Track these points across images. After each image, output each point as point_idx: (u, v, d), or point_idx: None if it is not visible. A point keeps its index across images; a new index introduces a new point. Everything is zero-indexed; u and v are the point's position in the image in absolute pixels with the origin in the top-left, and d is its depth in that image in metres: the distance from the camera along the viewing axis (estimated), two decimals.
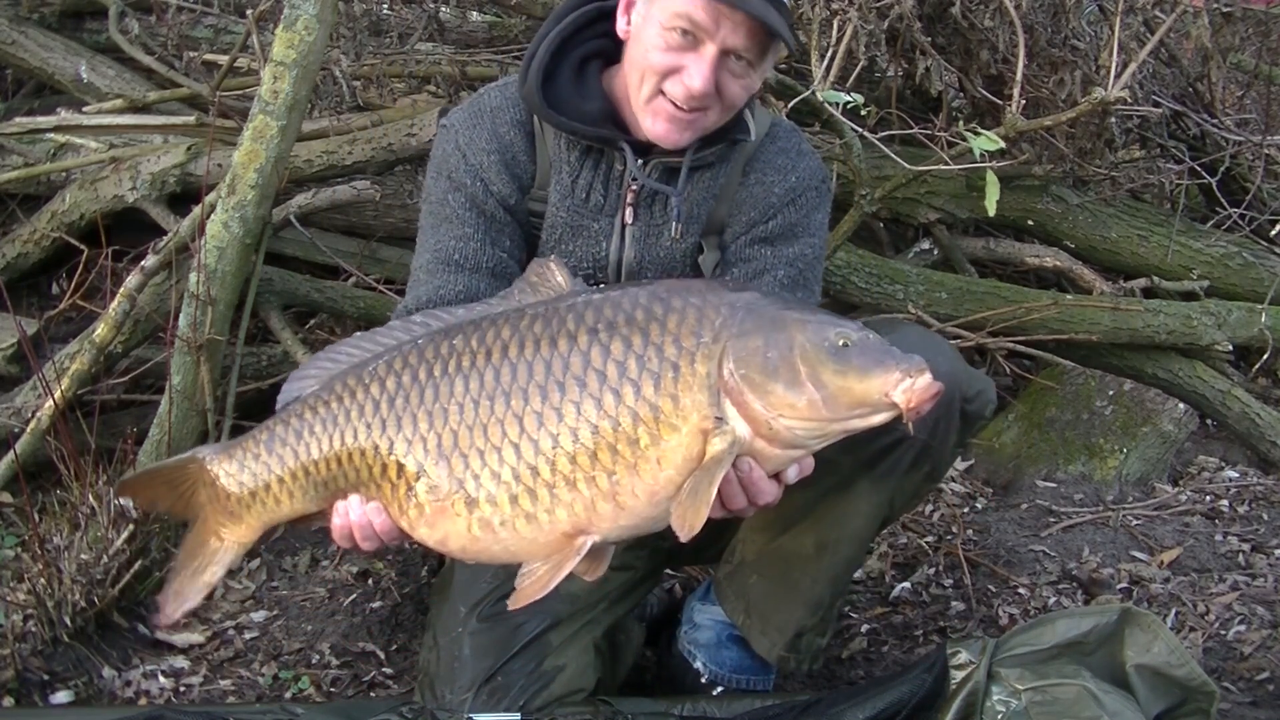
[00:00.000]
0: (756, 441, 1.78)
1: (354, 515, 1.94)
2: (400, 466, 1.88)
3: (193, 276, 2.98)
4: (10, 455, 3.02)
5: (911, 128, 3.55)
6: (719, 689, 2.53)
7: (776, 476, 1.86)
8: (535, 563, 1.86)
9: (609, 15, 2.30)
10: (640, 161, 2.30)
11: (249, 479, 1.98)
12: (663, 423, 1.78)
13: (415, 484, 1.88)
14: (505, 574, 2.30)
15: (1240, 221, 4.19)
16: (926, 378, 1.74)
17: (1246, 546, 3.40)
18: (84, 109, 3.85)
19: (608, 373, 1.80)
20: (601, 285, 1.94)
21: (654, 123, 2.22)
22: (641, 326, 1.81)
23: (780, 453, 1.80)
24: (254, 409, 3.47)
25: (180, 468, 2.05)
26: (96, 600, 2.67)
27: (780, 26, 2.11)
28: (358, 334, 2.04)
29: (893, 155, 3.25)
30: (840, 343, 1.77)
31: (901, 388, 1.73)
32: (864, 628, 2.99)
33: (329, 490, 1.95)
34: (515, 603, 1.87)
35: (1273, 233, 4.20)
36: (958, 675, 2.25)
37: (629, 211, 2.34)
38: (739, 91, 2.21)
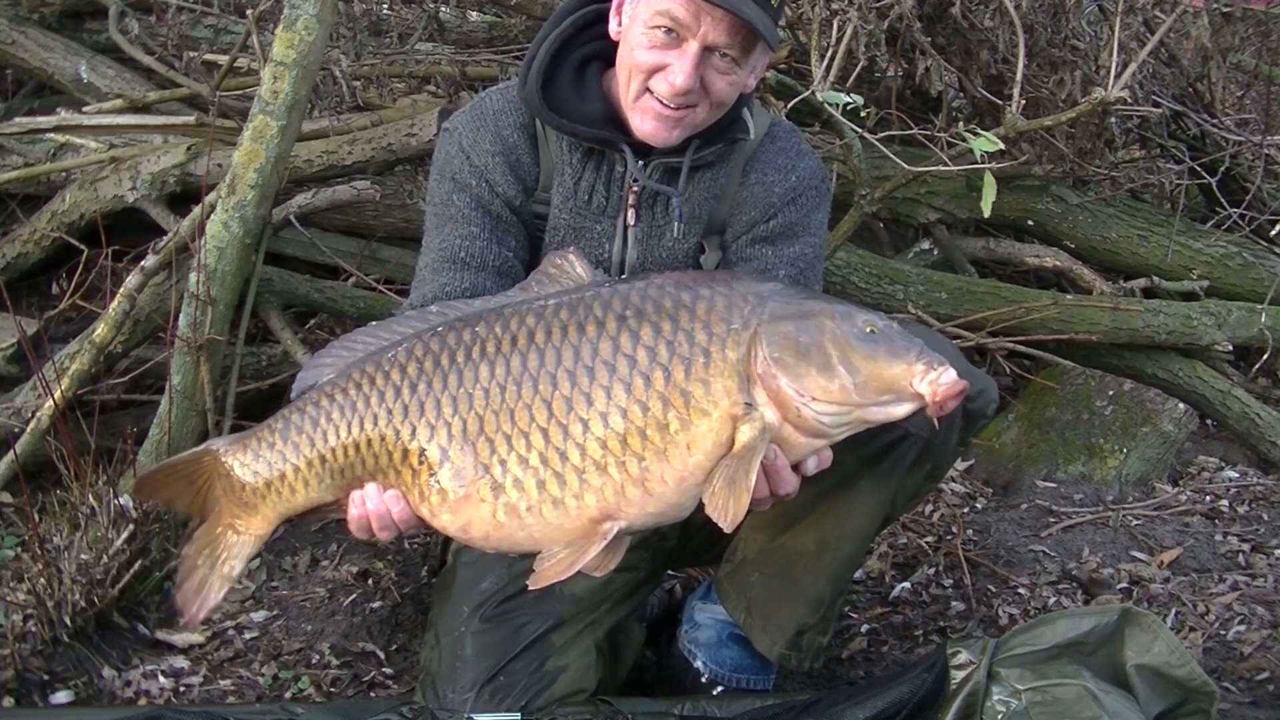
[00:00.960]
0: (784, 428, 1.80)
1: (371, 504, 1.93)
2: (422, 452, 1.87)
3: (193, 276, 2.98)
4: (10, 455, 3.02)
5: (911, 128, 3.55)
6: (719, 688, 2.53)
7: (796, 468, 1.87)
8: (556, 548, 1.86)
9: (608, 17, 2.30)
10: (640, 162, 2.30)
11: (264, 468, 1.96)
12: (694, 408, 1.79)
13: (438, 470, 1.87)
14: (509, 574, 2.31)
15: (1240, 221, 4.19)
16: (952, 373, 1.77)
17: (1246, 546, 3.40)
18: (84, 109, 3.85)
19: (638, 358, 1.81)
20: (623, 276, 1.95)
21: (643, 121, 2.24)
22: (671, 313, 1.83)
23: (805, 440, 1.82)
24: (254, 409, 3.47)
25: (194, 461, 2.03)
26: (96, 600, 2.67)
27: (759, 22, 2.11)
28: (373, 323, 2.04)
29: (892, 155, 3.25)
30: (868, 329, 1.80)
31: (928, 379, 1.76)
32: (864, 628, 2.99)
33: (345, 479, 1.94)
34: (534, 583, 1.87)
35: (1273, 233, 4.20)
36: (958, 675, 2.25)
37: (631, 213, 2.35)
38: (726, 88, 2.22)
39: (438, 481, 1.87)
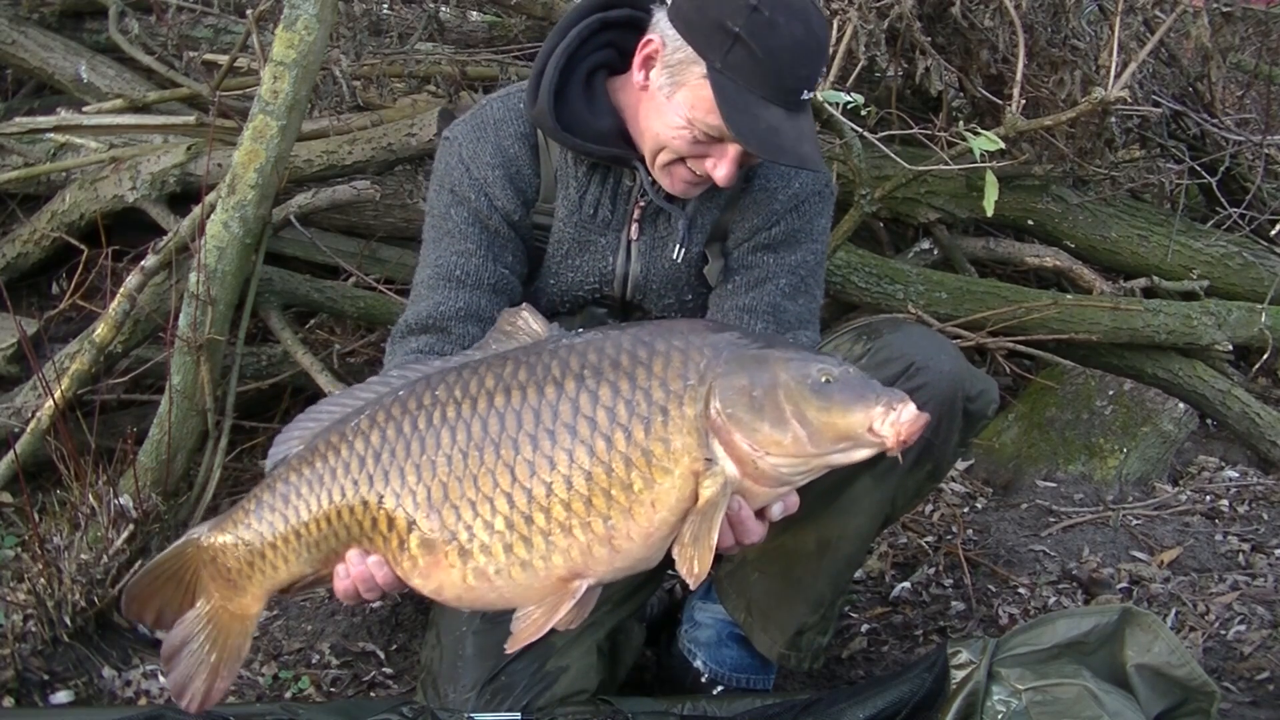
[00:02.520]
0: (745, 480, 1.80)
1: (355, 569, 1.93)
2: (390, 520, 1.88)
3: (193, 276, 2.98)
4: (10, 455, 3.02)
5: (911, 128, 3.55)
6: (719, 688, 2.53)
7: (761, 514, 1.88)
8: (530, 607, 1.87)
9: (611, 26, 2.29)
10: (651, 179, 2.30)
11: (243, 550, 1.96)
12: (655, 466, 1.79)
13: (407, 537, 1.87)
14: None
15: (1240, 221, 4.19)
16: (911, 409, 1.76)
17: (1246, 546, 3.40)
18: (84, 109, 3.85)
19: (597, 419, 1.81)
20: (579, 330, 1.96)
21: (672, 184, 2.24)
22: (628, 371, 1.82)
23: (767, 490, 1.83)
24: (254, 409, 3.48)
25: (177, 555, 2.02)
26: (96, 600, 2.67)
27: (813, 159, 2.14)
28: (338, 392, 2.05)
29: (893, 155, 3.25)
30: (823, 379, 1.79)
31: (888, 420, 1.76)
32: (864, 628, 2.99)
33: (324, 550, 1.94)
34: (512, 645, 1.88)
35: (1273, 233, 4.20)
36: (958, 675, 2.25)
37: (634, 227, 2.35)
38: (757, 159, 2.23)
39: (407, 548, 1.88)
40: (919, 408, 1.78)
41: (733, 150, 2.14)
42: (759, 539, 1.89)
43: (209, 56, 3.95)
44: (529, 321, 1.95)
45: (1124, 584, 3.18)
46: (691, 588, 1.83)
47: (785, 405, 1.77)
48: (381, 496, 1.88)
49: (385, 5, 4.07)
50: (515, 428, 1.83)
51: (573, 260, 2.37)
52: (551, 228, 2.37)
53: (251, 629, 2.04)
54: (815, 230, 2.43)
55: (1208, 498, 3.69)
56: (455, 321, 2.28)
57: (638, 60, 2.21)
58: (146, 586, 2.04)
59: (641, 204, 2.33)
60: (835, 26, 3.37)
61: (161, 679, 2.65)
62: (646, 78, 2.20)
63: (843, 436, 1.78)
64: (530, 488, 1.81)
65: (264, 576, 1.97)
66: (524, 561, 1.83)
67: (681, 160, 2.20)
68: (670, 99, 2.15)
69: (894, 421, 1.75)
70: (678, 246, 2.33)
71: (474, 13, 4.45)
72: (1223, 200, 4.20)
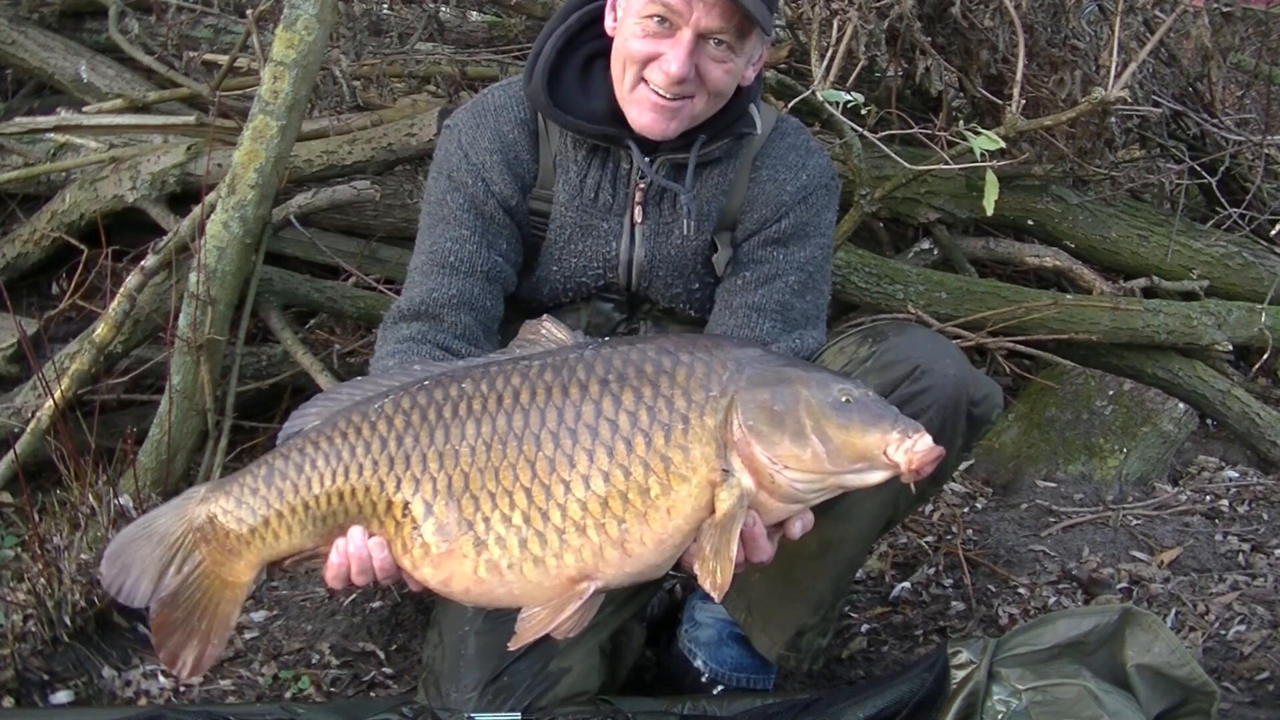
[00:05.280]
0: (759, 494, 1.83)
1: (354, 547, 1.92)
2: (406, 505, 1.89)
3: (193, 276, 2.98)
4: (10, 455, 3.02)
5: (911, 128, 3.55)
6: (719, 688, 2.53)
7: (779, 529, 1.90)
8: (536, 607, 1.88)
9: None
10: (648, 159, 2.30)
11: (247, 514, 1.95)
12: (673, 473, 1.82)
13: (422, 524, 1.88)
14: None
15: (1240, 221, 4.19)
16: (927, 439, 1.80)
17: (1246, 546, 3.40)
18: (84, 109, 3.85)
19: (619, 422, 1.83)
20: (606, 339, 1.98)
21: (639, 113, 2.24)
22: (652, 379, 1.86)
23: (780, 505, 1.86)
24: (254, 409, 3.48)
25: (171, 516, 1.99)
26: (96, 600, 2.67)
27: (751, 4, 2.12)
28: (358, 377, 2.06)
29: (893, 155, 3.25)
30: (843, 399, 1.83)
31: (903, 447, 1.79)
32: (864, 628, 2.99)
33: (328, 526, 1.94)
34: (515, 644, 1.90)
35: (1273, 233, 4.20)
36: (958, 675, 2.25)
37: (638, 210, 2.35)
38: (722, 76, 2.22)
39: (420, 535, 1.89)
40: (923, 411, 1.80)
41: (683, 37, 2.15)
42: (768, 559, 1.91)
43: (209, 56, 3.96)
44: (552, 330, 1.98)
45: (1124, 584, 3.18)
46: (716, 599, 1.85)
47: (806, 421, 1.80)
48: (400, 481, 1.89)
49: (385, 5, 4.07)
50: (539, 425, 1.86)
51: (575, 245, 2.38)
52: (551, 213, 2.38)
53: (242, 597, 2.02)
54: (822, 224, 2.44)
55: (1208, 498, 3.69)
56: (447, 309, 2.30)
57: (608, 11, 2.28)
58: (131, 548, 1.99)
59: (642, 186, 2.34)
60: (835, 26, 3.38)
61: (161, 679, 2.65)
62: (615, 19, 2.26)
63: (859, 457, 1.81)
64: (549, 484, 1.84)
65: (263, 544, 1.96)
66: (537, 558, 1.85)
67: (643, 80, 2.21)
68: (627, 10, 2.21)
69: (908, 449, 1.79)
70: (686, 221, 2.33)
71: (474, 13, 4.45)
72: (1223, 200, 4.20)
